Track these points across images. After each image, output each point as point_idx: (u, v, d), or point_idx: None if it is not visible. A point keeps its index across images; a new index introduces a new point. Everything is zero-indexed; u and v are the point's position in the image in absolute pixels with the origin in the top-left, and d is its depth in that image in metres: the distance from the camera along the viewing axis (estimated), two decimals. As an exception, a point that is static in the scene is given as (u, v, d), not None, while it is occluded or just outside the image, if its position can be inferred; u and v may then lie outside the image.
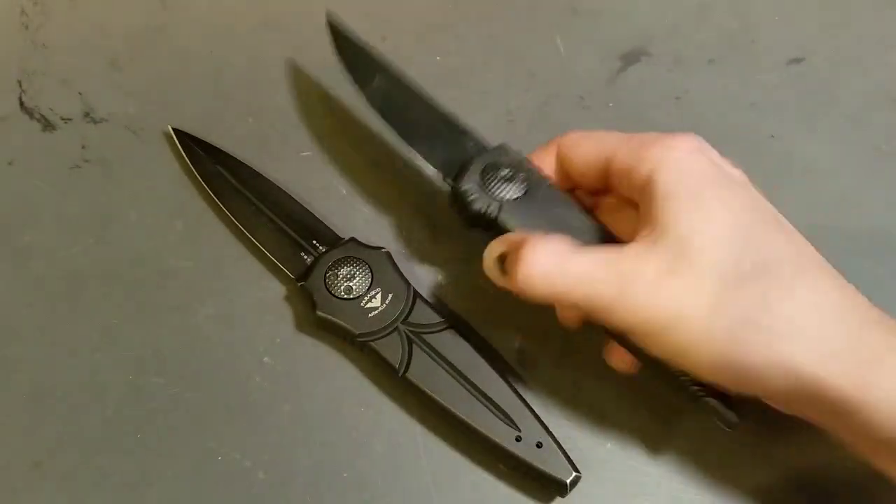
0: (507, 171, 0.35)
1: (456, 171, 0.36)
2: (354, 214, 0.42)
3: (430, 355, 0.36)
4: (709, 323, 0.27)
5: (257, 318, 0.39)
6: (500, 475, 0.35)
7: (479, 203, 0.35)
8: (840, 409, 0.27)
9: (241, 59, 0.48)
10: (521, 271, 0.30)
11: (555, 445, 0.34)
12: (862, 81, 0.47)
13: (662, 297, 0.28)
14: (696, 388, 0.31)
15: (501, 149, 0.36)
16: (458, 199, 0.35)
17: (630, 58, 0.48)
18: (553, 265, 0.29)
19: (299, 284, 0.38)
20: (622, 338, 0.32)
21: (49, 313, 0.39)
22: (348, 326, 0.37)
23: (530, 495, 0.35)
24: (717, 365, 0.28)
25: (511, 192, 0.35)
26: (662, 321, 0.28)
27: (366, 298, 0.38)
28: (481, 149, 0.37)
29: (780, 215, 0.30)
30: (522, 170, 0.35)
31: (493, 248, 0.33)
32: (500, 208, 0.34)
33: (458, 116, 0.38)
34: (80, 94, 0.46)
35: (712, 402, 0.31)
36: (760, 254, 0.28)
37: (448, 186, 0.36)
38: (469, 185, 0.35)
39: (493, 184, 0.35)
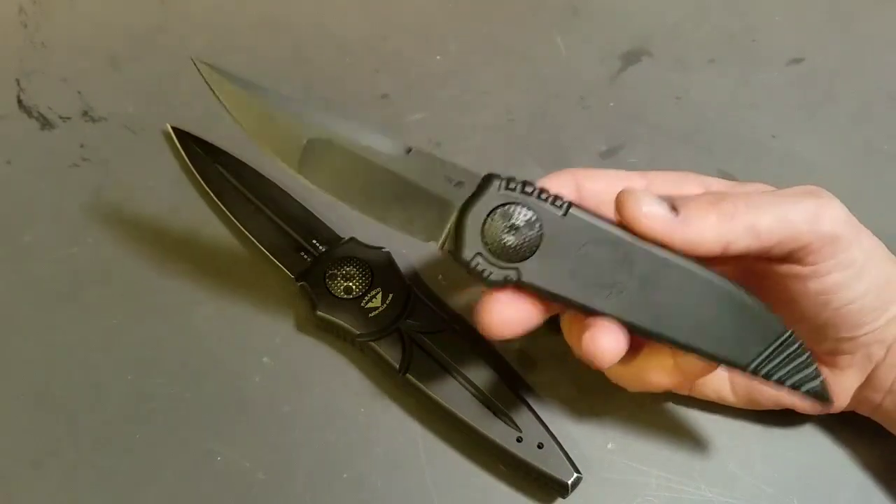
0: (513, 217, 0.28)
1: (446, 233, 0.29)
2: (354, 214, 0.42)
3: (430, 355, 0.36)
4: None
5: (257, 318, 0.39)
6: (501, 476, 0.35)
7: (495, 274, 0.29)
8: None
9: (240, 59, 0.48)
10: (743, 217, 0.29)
11: (556, 446, 0.34)
12: (862, 81, 0.47)
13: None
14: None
15: (489, 184, 0.29)
16: (468, 272, 0.29)
17: (630, 58, 0.48)
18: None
19: (299, 284, 0.38)
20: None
21: (49, 313, 0.39)
22: (348, 326, 0.37)
23: (531, 496, 0.35)
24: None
25: (528, 240, 0.28)
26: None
27: (366, 298, 0.37)
28: (463, 192, 0.29)
29: None
30: (532, 206, 0.29)
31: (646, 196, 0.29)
32: (519, 274, 0.29)
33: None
34: (78, 92, 0.46)
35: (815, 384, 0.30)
36: None
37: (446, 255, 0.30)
38: (469, 252, 0.29)
39: (501, 240, 0.28)
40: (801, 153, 0.45)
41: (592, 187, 0.32)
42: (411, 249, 0.41)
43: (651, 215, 0.29)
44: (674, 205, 0.30)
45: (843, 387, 0.33)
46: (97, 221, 0.42)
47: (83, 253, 0.41)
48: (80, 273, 0.40)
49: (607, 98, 0.47)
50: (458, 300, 0.40)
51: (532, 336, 0.38)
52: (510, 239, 0.29)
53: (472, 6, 0.51)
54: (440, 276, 0.40)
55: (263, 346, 0.38)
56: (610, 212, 0.30)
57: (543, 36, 0.49)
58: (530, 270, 0.29)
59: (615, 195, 0.30)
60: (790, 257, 0.30)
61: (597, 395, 0.37)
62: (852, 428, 0.35)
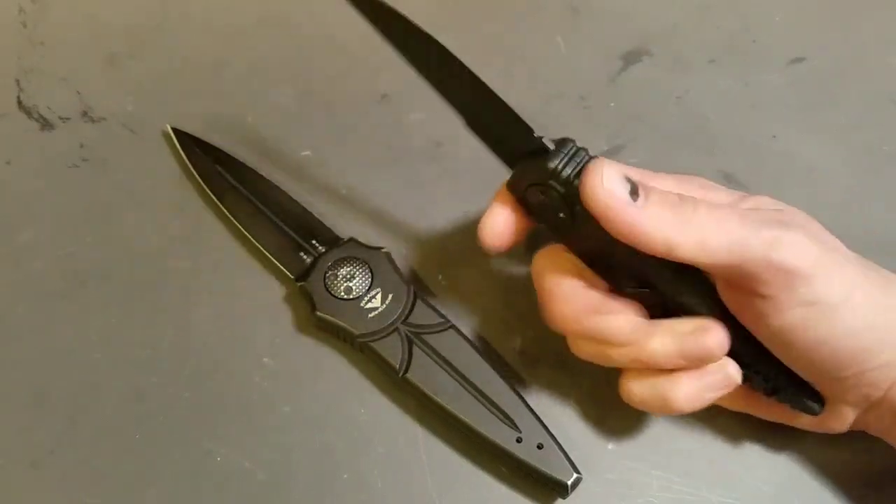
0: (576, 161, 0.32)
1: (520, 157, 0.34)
2: (354, 214, 0.42)
3: (430, 356, 0.36)
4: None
5: (257, 318, 0.39)
6: (501, 476, 0.35)
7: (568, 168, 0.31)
8: None
9: (240, 58, 0.48)
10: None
11: (556, 446, 0.34)
12: (863, 82, 0.47)
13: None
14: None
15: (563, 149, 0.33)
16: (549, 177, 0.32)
17: (631, 58, 0.48)
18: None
19: (299, 284, 0.38)
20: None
21: (48, 313, 0.39)
22: (348, 327, 0.37)
23: (531, 497, 0.35)
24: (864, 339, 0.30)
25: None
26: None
27: (366, 299, 0.37)
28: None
29: None
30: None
31: (612, 173, 0.30)
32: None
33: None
34: (78, 92, 0.46)
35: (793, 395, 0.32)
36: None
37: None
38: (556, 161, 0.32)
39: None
40: (801, 153, 0.45)
41: None
42: (411, 249, 0.41)
43: (609, 191, 0.29)
44: (637, 190, 0.30)
45: (840, 415, 0.33)
46: (96, 221, 0.42)
47: (82, 252, 0.41)
48: (80, 272, 0.40)
49: (607, 98, 0.47)
50: (458, 300, 0.40)
51: (532, 336, 0.39)
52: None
53: (472, 6, 0.51)
54: (440, 276, 0.40)
55: (263, 346, 0.38)
56: None
57: (543, 36, 0.49)
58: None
59: None
60: (743, 284, 0.30)
61: (597, 396, 0.37)
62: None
